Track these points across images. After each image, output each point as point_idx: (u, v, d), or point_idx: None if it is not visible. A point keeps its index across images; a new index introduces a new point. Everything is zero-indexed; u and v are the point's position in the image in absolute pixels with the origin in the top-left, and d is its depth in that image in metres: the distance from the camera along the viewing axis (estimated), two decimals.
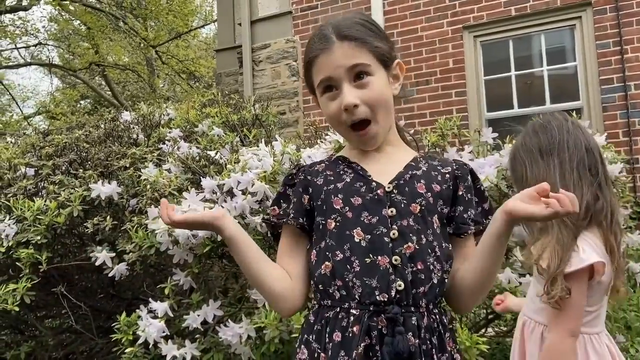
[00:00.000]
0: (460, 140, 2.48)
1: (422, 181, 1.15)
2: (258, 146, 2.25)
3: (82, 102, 20.16)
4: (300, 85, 6.17)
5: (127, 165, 2.74)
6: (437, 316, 1.10)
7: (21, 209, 2.50)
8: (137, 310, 2.18)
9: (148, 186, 2.39)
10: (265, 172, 2.07)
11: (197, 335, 2.13)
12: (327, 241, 1.12)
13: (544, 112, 4.90)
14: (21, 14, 15.69)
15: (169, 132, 3.12)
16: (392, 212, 1.10)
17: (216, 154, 2.65)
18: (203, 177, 2.24)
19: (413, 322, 1.05)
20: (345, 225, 1.11)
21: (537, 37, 5.35)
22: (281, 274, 1.15)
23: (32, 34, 16.79)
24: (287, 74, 6.25)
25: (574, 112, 2.54)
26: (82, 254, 2.58)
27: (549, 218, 0.96)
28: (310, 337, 1.12)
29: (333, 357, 1.06)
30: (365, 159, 1.19)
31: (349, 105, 1.10)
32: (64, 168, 2.95)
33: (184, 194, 2.14)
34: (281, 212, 1.19)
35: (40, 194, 2.81)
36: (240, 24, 6.66)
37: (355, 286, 1.07)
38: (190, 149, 2.78)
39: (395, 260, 1.07)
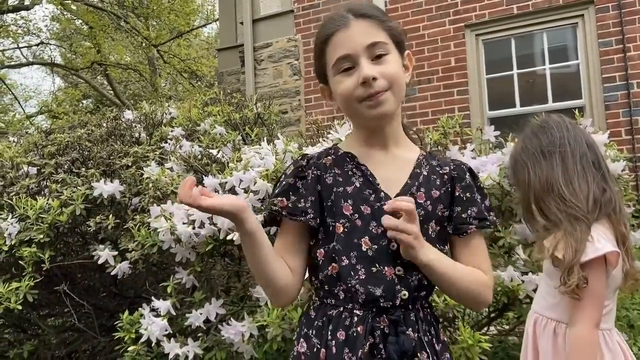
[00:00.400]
0: (463, 139, 2.48)
1: (422, 189, 1.16)
2: (260, 145, 2.25)
3: (84, 101, 20.18)
4: (302, 84, 6.17)
5: (130, 164, 2.74)
6: (429, 310, 1.16)
7: (24, 208, 2.51)
8: (140, 309, 2.18)
9: (150, 185, 2.39)
10: (267, 170, 2.07)
11: (200, 334, 2.14)
12: (335, 244, 1.12)
13: (546, 111, 4.90)
14: (23, 13, 15.72)
15: (171, 131, 3.12)
16: None
17: (218, 152, 2.65)
18: (205, 176, 2.24)
19: (412, 318, 1.09)
20: (353, 233, 1.12)
21: (539, 35, 5.34)
22: (286, 270, 1.15)
23: (34, 34, 16.82)
24: (289, 72, 6.25)
25: (576, 110, 2.53)
26: (85, 253, 2.58)
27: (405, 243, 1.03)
28: (310, 331, 1.13)
29: (338, 355, 1.07)
30: (373, 160, 1.18)
31: (368, 77, 1.08)
32: (66, 167, 2.95)
33: None
34: (290, 205, 1.14)
35: (42, 192, 2.82)
36: (242, 23, 6.66)
37: (359, 292, 1.09)
38: (193, 147, 2.78)
39: (399, 270, 1.09)
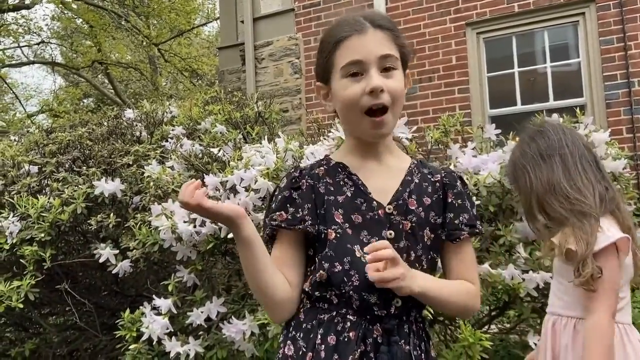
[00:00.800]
0: (463, 137, 2.48)
1: (413, 196, 1.16)
2: (261, 143, 2.25)
3: (85, 100, 20.18)
4: (303, 83, 6.16)
5: (130, 163, 2.75)
6: (422, 324, 1.16)
7: (25, 207, 2.51)
8: (141, 307, 2.19)
9: (151, 183, 2.40)
10: (268, 169, 2.07)
11: (201, 332, 2.14)
12: (327, 251, 1.12)
13: (547, 109, 4.90)
14: (24, 12, 15.71)
15: (172, 130, 3.12)
16: (390, 234, 1.12)
17: (219, 151, 2.65)
18: (206, 174, 2.24)
19: (405, 330, 1.10)
20: (344, 239, 1.11)
21: (540, 33, 5.33)
22: (283, 282, 1.13)
23: (35, 33, 16.81)
24: (289, 71, 6.24)
25: (578, 108, 2.53)
26: (86, 251, 2.59)
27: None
28: (298, 334, 1.12)
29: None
30: (365, 170, 1.18)
31: (377, 88, 1.08)
32: (67, 165, 2.96)
33: None
34: (290, 217, 1.14)
35: (44, 191, 2.82)
36: (242, 22, 6.66)
37: (353, 298, 1.09)
38: (193, 146, 2.79)
39: None
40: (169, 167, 2.54)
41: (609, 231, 1.39)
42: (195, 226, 2.05)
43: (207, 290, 2.26)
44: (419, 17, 5.65)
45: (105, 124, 3.48)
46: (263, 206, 2.05)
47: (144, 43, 16.68)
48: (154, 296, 2.17)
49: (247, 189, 2.05)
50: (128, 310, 2.22)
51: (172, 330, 2.10)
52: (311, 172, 1.19)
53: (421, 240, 1.13)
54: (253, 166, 2.11)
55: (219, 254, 2.26)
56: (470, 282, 1.18)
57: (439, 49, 5.56)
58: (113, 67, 17.46)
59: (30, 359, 2.94)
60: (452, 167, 2.11)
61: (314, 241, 1.15)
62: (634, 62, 4.85)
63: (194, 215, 2.06)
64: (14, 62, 16.93)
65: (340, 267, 1.10)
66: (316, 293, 1.12)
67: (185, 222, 2.08)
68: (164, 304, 2.12)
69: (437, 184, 1.20)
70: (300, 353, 1.10)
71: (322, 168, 1.20)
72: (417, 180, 1.18)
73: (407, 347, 1.08)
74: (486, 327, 2.41)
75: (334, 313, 1.10)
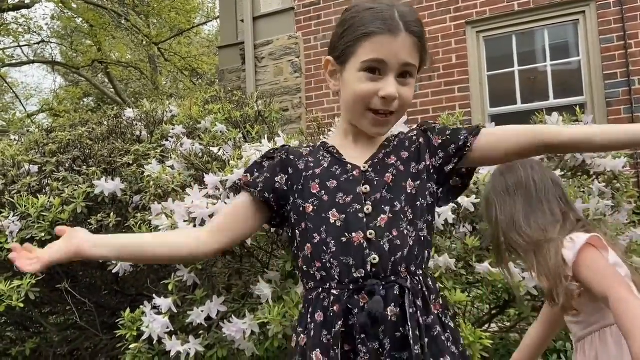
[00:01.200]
0: None
1: (392, 155, 1.18)
2: (261, 142, 2.25)
3: (85, 99, 20.18)
4: (303, 82, 6.16)
5: (131, 162, 2.75)
6: (421, 278, 1.11)
7: (25, 206, 2.51)
8: (141, 307, 2.19)
9: (151, 183, 2.39)
10: None
11: (201, 331, 2.14)
12: (307, 224, 1.14)
13: (547, 108, 4.90)
14: (24, 11, 15.71)
15: (172, 129, 3.12)
16: (366, 189, 1.13)
17: (219, 150, 2.65)
18: (206, 174, 2.24)
19: (395, 292, 1.06)
20: (321, 208, 1.13)
21: (541, 32, 5.33)
22: (182, 242, 1.18)
23: (35, 32, 16.81)
24: (289, 70, 6.24)
25: (578, 107, 2.53)
26: None
27: None
28: (297, 322, 1.17)
29: (315, 337, 1.07)
30: (344, 145, 1.21)
31: (392, 97, 1.11)
32: (67, 165, 2.96)
33: (187, 190, 2.15)
34: (251, 181, 1.19)
35: (44, 190, 2.82)
36: (242, 21, 6.66)
37: (333, 266, 1.09)
38: (193, 145, 2.78)
39: (370, 234, 1.08)
40: (169, 167, 2.54)
41: (578, 238, 1.41)
42: (195, 225, 2.05)
43: (208, 289, 2.26)
44: (419, 16, 5.64)
45: (106, 123, 3.48)
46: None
47: (144, 42, 16.68)
48: (154, 295, 2.17)
49: None
50: (128, 310, 2.22)
51: (173, 329, 2.10)
52: (295, 149, 1.24)
53: (404, 191, 1.13)
54: None
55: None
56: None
57: (439, 47, 5.56)
58: (113, 66, 17.46)
59: (31, 358, 2.94)
60: None
61: (278, 210, 1.19)
62: (634, 61, 4.85)
63: (194, 215, 2.06)
64: (14, 61, 16.93)
65: (319, 238, 1.11)
66: (304, 267, 1.14)
67: (185, 221, 2.08)
68: (164, 303, 2.12)
69: (414, 137, 1.20)
70: (298, 338, 1.12)
71: (308, 149, 1.24)
72: (395, 143, 1.20)
73: (398, 309, 1.05)
74: (486, 325, 2.41)
75: (320, 290, 1.11)
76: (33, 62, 17.37)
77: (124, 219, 2.47)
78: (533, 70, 5.38)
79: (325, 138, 2.35)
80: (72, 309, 2.65)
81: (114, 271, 2.32)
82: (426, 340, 1.05)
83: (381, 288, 1.05)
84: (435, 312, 1.10)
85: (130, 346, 2.13)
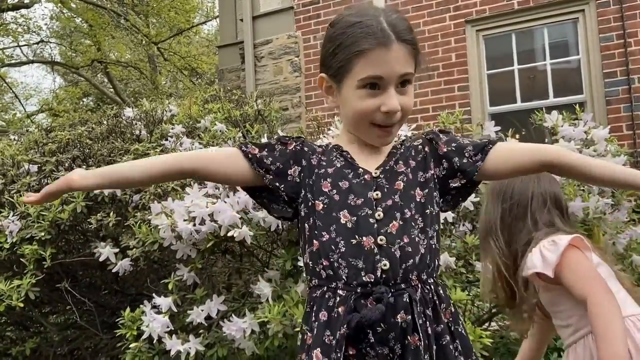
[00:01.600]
0: (463, 135, 2.47)
1: (400, 162, 1.17)
2: (260, 141, 2.25)
3: (84, 99, 20.17)
4: (302, 81, 6.16)
5: None
6: (432, 287, 1.11)
7: (25, 206, 2.51)
8: (141, 306, 2.19)
9: None
10: None
11: (201, 330, 2.14)
12: (316, 221, 1.13)
13: (547, 107, 4.90)
14: (23, 11, 15.71)
15: (172, 128, 3.12)
16: (377, 194, 1.12)
17: None
18: None
19: (405, 299, 1.06)
20: (332, 207, 1.12)
21: (540, 30, 5.32)
22: (160, 159, 1.21)
23: (34, 32, 16.80)
24: (289, 69, 6.24)
25: (577, 105, 2.53)
26: (86, 250, 2.59)
27: None
28: (303, 320, 1.16)
29: (318, 337, 1.07)
30: (356, 149, 1.20)
31: (394, 111, 1.10)
32: (67, 164, 2.95)
33: (187, 189, 2.15)
34: (258, 156, 1.16)
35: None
36: (242, 20, 6.65)
37: (341, 267, 1.08)
38: (193, 144, 2.79)
39: (381, 240, 1.08)
40: None
41: (560, 240, 1.42)
42: (195, 224, 2.05)
43: (207, 288, 2.26)
44: (419, 15, 5.65)
45: (105, 122, 3.48)
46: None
47: (144, 42, 16.66)
48: (154, 295, 2.17)
49: None
50: (128, 309, 2.22)
51: (173, 328, 2.10)
52: (310, 144, 1.22)
53: (413, 199, 1.13)
54: None
55: (218, 252, 2.26)
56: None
57: (438, 46, 5.56)
58: (112, 66, 17.45)
59: (31, 358, 2.94)
60: None
61: (296, 211, 1.18)
62: (633, 59, 4.85)
63: (193, 214, 2.06)
64: (13, 61, 16.92)
65: (328, 236, 1.10)
66: (310, 263, 1.13)
67: (184, 220, 2.08)
68: (164, 302, 2.12)
69: (420, 146, 1.20)
70: (304, 337, 1.12)
71: (321, 148, 1.22)
72: (402, 151, 1.20)
73: (408, 316, 1.04)
74: (486, 324, 2.41)
75: (325, 288, 1.10)
76: (32, 62, 17.36)
77: (124, 218, 2.47)
78: (533, 69, 5.38)
79: (325, 137, 2.35)
80: (72, 308, 2.65)
81: (113, 270, 2.32)
82: (434, 348, 1.06)
83: (389, 295, 1.05)
84: (445, 320, 1.11)
85: (131, 345, 2.13)
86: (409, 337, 1.05)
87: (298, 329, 1.91)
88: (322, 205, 1.13)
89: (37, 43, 17.38)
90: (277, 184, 1.15)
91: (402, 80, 1.12)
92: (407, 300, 1.06)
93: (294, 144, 1.19)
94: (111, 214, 2.46)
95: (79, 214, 2.50)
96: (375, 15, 1.12)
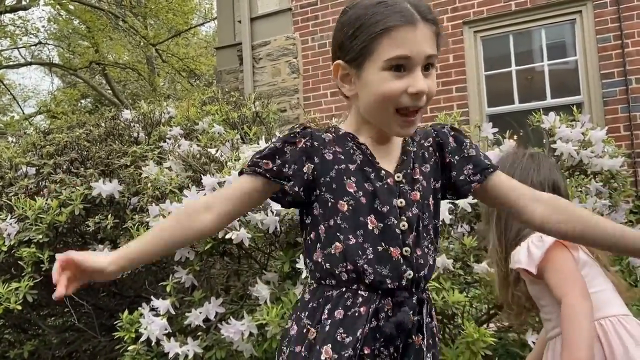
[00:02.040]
0: None
1: (415, 165, 1.15)
2: (258, 143, 2.25)
3: (82, 101, 20.16)
4: (300, 83, 6.16)
5: (128, 164, 2.75)
6: (428, 292, 1.17)
7: (23, 208, 2.51)
8: (140, 308, 2.18)
9: (149, 184, 2.39)
10: None
11: (199, 333, 2.14)
12: (339, 222, 1.09)
13: (544, 107, 4.91)
14: (21, 13, 15.69)
15: (170, 130, 3.12)
16: (401, 202, 1.10)
17: (217, 151, 2.65)
18: (204, 175, 2.24)
19: (413, 301, 1.09)
20: (359, 211, 1.09)
21: (538, 31, 5.33)
22: (179, 231, 1.12)
23: (32, 34, 16.78)
24: (287, 71, 6.24)
25: (575, 106, 2.54)
26: None
27: None
28: (303, 314, 1.11)
29: (330, 333, 1.06)
30: (371, 143, 1.14)
31: (423, 92, 1.05)
32: (65, 167, 2.95)
33: (185, 191, 2.15)
34: (274, 169, 1.09)
35: (41, 192, 2.82)
36: (240, 22, 6.65)
37: (367, 272, 1.07)
38: (191, 146, 2.78)
39: (406, 251, 1.08)
40: (166, 168, 2.54)
41: (547, 237, 1.41)
42: None
43: (206, 290, 2.26)
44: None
45: (103, 125, 3.48)
46: (261, 206, 2.04)
47: (142, 43, 16.67)
48: (152, 297, 2.17)
49: None
50: (126, 311, 2.21)
51: (171, 331, 2.09)
52: (317, 134, 1.14)
53: (427, 210, 1.13)
54: None
55: (217, 254, 2.26)
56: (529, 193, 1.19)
57: None
58: (111, 67, 17.45)
59: None
60: None
61: (308, 204, 1.13)
62: (631, 60, 4.86)
63: None
64: (11, 63, 16.91)
65: (354, 240, 1.08)
66: (327, 265, 1.10)
67: None
68: (163, 304, 2.12)
69: (431, 148, 1.19)
70: (304, 330, 1.09)
71: (330, 135, 1.15)
72: (414, 149, 1.17)
73: (416, 317, 1.08)
74: (485, 325, 2.41)
75: (344, 289, 1.08)
76: (30, 64, 17.35)
77: (122, 220, 2.47)
78: (530, 70, 5.39)
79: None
80: (70, 311, 2.65)
81: None
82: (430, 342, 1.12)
83: (412, 299, 1.09)
84: (436, 320, 1.18)
85: (129, 348, 2.13)
86: (412, 337, 1.08)
87: None
88: (347, 206, 1.09)
89: (35, 45, 17.37)
90: (297, 188, 1.10)
91: (427, 63, 1.06)
92: (415, 302, 1.09)
93: (303, 140, 1.12)
94: (109, 216, 2.46)
95: (77, 216, 2.49)
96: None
